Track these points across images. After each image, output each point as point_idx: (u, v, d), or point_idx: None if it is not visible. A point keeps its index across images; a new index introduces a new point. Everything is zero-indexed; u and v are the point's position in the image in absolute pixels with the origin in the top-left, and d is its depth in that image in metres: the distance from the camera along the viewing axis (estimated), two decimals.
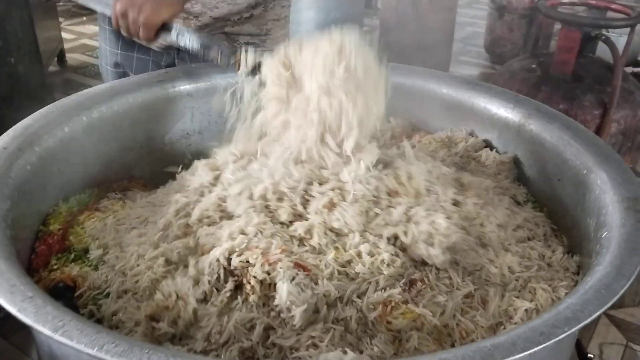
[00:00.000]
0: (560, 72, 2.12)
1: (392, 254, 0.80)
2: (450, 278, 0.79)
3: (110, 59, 1.51)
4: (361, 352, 0.69)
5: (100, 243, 0.89)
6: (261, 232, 0.81)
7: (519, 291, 0.81)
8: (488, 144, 1.17)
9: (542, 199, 1.05)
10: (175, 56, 1.45)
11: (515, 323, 0.75)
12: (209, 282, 0.75)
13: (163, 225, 0.88)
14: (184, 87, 1.21)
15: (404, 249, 0.82)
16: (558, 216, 1.00)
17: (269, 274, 0.74)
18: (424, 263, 0.81)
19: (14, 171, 0.90)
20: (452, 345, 0.72)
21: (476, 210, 0.90)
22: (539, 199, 1.06)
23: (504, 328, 0.75)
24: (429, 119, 1.26)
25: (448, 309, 0.74)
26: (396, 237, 0.82)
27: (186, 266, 0.80)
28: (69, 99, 1.08)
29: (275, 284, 0.73)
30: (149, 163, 1.20)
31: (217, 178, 0.97)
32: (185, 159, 1.25)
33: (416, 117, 1.28)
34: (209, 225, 0.87)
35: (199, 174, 1.00)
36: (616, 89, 2.00)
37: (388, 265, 0.78)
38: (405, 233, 0.82)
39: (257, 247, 0.77)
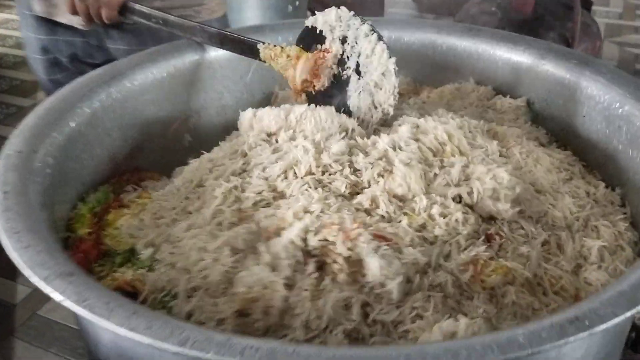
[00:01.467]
0: (520, 13, 2.16)
1: (464, 213, 0.78)
2: (523, 228, 0.79)
3: (35, 45, 1.44)
4: (466, 315, 0.68)
5: (147, 241, 0.82)
6: (328, 208, 0.77)
7: (583, 231, 0.82)
8: (498, 91, 1.17)
9: (563, 139, 1.07)
10: (105, 35, 1.40)
11: (592, 263, 0.77)
12: (289, 265, 0.71)
13: (212, 213, 0.83)
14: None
15: (470, 206, 0.81)
16: (586, 153, 1.02)
17: (351, 250, 0.71)
18: (491, 218, 0.81)
19: (35, 174, 0.82)
20: (544, 294, 0.73)
21: (523, 159, 0.90)
22: (560, 139, 1.07)
23: (585, 269, 0.76)
24: (432, 73, 1.24)
25: (533, 258, 0.74)
26: (460, 197, 0.81)
27: (254, 253, 0.75)
28: (65, 89, 0.99)
29: (360, 260, 0.70)
30: (151, 152, 1.13)
31: (246, 160, 0.92)
32: (185, 141, 1.19)
33: (418, 73, 1.26)
34: (265, 207, 0.82)
35: (227, 156, 0.95)
36: (577, 24, 2.06)
37: (463, 224, 0.77)
38: (470, 192, 0.81)
39: (333, 223, 0.73)
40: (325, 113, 0.95)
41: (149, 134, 1.12)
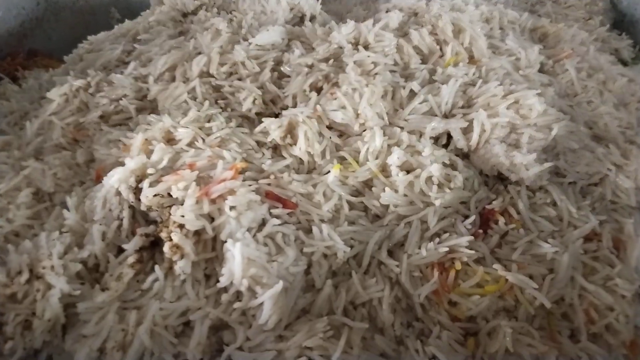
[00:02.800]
0: None
1: (446, 164, 0.43)
2: (554, 204, 0.43)
3: None
4: None
5: None
6: (207, 135, 0.44)
7: None
8: None
9: None
10: None
11: None
12: (104, 234, 0.39)
13: (37, 129, 0.51)
14: None
15: (465, 155, 0.46)
16: None
17: (211, 219, 0.38)
18: (503, 180, 0.45)
19: None
20: (572, 336, 0.38)
21: (580, 81, 0.52)
22: None
23: None
24: None
25: (562, 267, 0.39)
26: (448, 137, 0.46)
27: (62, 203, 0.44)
28: None
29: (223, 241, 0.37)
30: (57, 31, 0.81)
31: (134, 49, 0.60)
32: (113, 21, 0.85)
33: None
34: (117, 125, 0.50)
35: (111, 38, 0.62)
36: None
37: (441, 186, 0.42)
38: (465, 129, 0.45)
39: (190, 165, 0.40)
40: None
41: (53, 4, 0.80)
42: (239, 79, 0.51)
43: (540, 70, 0.53)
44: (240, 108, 0.48)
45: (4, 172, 0.47)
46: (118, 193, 0.40)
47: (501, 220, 0.41)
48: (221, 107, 0.49)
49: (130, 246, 0.39)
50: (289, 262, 0.37)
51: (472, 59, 0.52)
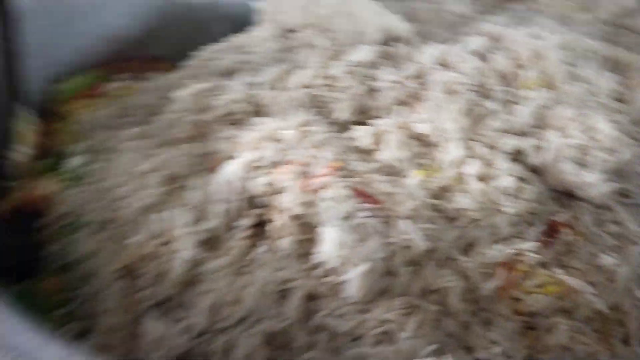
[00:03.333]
0: None
1: (520, 178, 0.48)
2: (617, 223, 0.47)
3: None
4: (469, 350, 0.40)
5: (87, 145, 0.62)
6: (305, 137, 0.51)
7: None
8: None
9: None
10: None
11: None
12: (218, 216, 0.47)
13: (169, 121, 0.60)
14: None
15: (536, 170, 0.50)
16: None
17: (308, 206, 0.45)
18: (570, 196, 0.49)
19: None
20: (625, 341, 0.42)
21: None
22: None
23: None
24: None
25: (619, 277, 0.43)
26: (520, 152, 0.51)
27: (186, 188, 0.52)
28: None
29: (315, 226, 0.44)
30: (172, 37, 0.91)
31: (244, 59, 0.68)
32: (227, 32, 0.94)
33: None
34: (233, 123, 0.58)
35: (227, 49, 0.71)
36: None
37: (514, 196, 0.47)
38: (538, 147, 0.50)
39: (292, 161, 0.47)
40: (367, 9, 0.68)
41: (171, 17, 0.90)
42: (335, 90, 0.58)
43: (615, 98, 0.57)
44: (334, 115, 0.55)
45: (137, 158, 0.57)
46: (233, 181, 0.48)
47: (566, 231, 0.46)
48: (319, 114, 0.56)
49: (243, 223, 0.46)
50: (373, 249, 0.43)
51: (548, 84, 0.57)
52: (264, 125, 0.53)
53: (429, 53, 0.59)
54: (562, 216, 0.47)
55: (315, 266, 0.44)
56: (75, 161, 0.61)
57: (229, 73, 0.68)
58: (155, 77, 0.79)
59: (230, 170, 0.48)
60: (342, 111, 0.55)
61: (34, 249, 0.54)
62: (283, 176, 0.46)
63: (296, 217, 0.45)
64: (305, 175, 0.46)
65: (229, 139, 0.55)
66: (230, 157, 0.51)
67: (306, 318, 0.43)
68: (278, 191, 0.46)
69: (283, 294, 0.43)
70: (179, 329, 0.42)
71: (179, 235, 0.46)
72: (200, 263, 0.45)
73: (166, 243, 0.45)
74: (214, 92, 0.61)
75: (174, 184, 0.54)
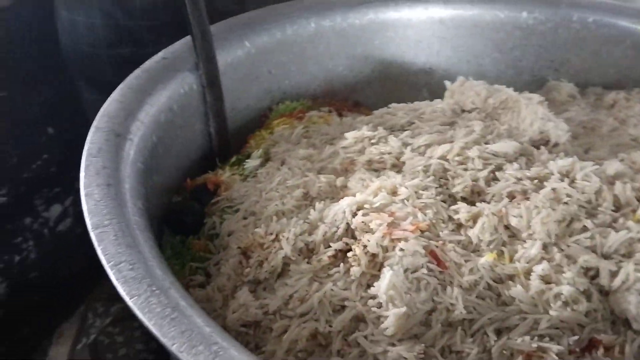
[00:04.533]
0: None
1: (579, 291, 0.52)
2: None
3: None
4: None
5: (266, 152, 0.80)
6: (414, 198, 0.61)
7: None
8: None
9: None
10: None
11: None
12: (325, 234, 0.59)
13: (329, 154, 0.74)
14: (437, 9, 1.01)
15: (602, 290, 0.53)
16: None
17: (382, 249, 0.55)
18: (626, 324, 0.51)
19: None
20: None
21: None
22: None
23: None
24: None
25: None
26: (590, 270, 0.54)
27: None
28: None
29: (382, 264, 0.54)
30: (378, 92, 1.06)
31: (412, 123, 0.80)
32: (420, 97, 1.08)
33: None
34: (375, 170, 0.70)
35: (402, 108, 0.83)
36: None
37: (565, 303, 0.51)
38: (614, 272, 0.52)
39: (391, 212, 0.58)
40: (534, 112, 0.75)
41: (381, 73, 1.06)
42: (464, 169, 0.66)
43: None
44: (452, 189, 0.63)
45: (293, 174, 0.72)
46: (343, 212, 0.60)
47: (603, 352, 0.48)
48: (439, 184, 0.65)
49: (334, 246, 0.58)
50: (419, 300, 0.51)
51: None
52: (391, 179, 0.64)
53: (560, 164, 0.64)
54: (607, 338, 0.49)
55: (372, 296, 0.54)
56: (252, 162, 0.78)
57: (395, 128, 0.80)
58: (347, 115, 0.94)
59: (345, 204, 0.60)
60: (459, 187, 0.64)
61: (202, 216, 0.73)
62: (377, 220, 0.57)
63: (372, 255, 0.55)
64: (393, 225, 0.56)
65: (363, 181, 0.67)
66: (353, 195, 0.63)
67: (348, 332, 0.53)
68: (368, 230, 0.57)
69: (339, 308, 0.54)
70: (258, 304, 0.56)
71: (288, 238, 0.59)
72: (294, 263, 0.58)
73: (277, 240, 0.59)
74: (374, 140, 0.74)
75: (305, 200, 0.67)
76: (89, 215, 0.52)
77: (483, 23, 0.99)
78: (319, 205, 0.63)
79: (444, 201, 0.63)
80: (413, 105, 0.86)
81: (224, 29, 0.85)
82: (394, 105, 0.88)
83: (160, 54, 0.78)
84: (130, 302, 0.44)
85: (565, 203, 0.58)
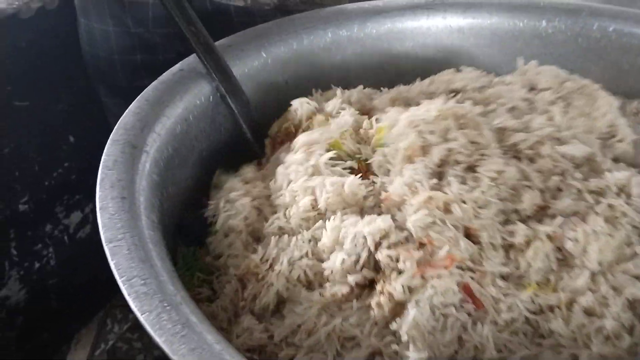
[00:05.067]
0: None
1: (623, 326, 0.46)
2: None
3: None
4: None
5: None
6: (473, 213, 0.53)
7: None
8: None
9: None
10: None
11: None
12: (343, 261, 0.54)
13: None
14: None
15: None
16: None
17: (410, 289, 0.49)
18: None
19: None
20: None
21: None
22: None
23: None
24: None
25: None
26: (636, 301, 0.48)
27: None
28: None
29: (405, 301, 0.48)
30: None
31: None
32: None
33: None
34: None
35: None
36: None
37: (608, 338, 0.45)
38: None
39: (426, 243, 0.51)
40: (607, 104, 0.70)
41: (404, 82, 0.99)
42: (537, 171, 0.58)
43: None
44: (519, 205, 0.55)
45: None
46: (364, 238, 0.52)
47: None
48: (502, 197, 0.55)
49: (352, 278, 0.51)
50: (443, 342, 0.45)
51: None
52: (444, 190, 0.55)
53: (617, 176, 0.57)
54: None
55: (392, 332, 0.48)
56: None
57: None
58: None
59: (367, 229, 0.52)
60: (527, 205, 0.55)
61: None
62: (406, 256, 0.50)
63: (396, 302, 0.49)
64: (425, 261, 0.50)
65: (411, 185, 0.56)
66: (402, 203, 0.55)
67: None
68: (394, 268, 0.50)
69: (351, 345, 0.48)
70: (262, 327, 0.50)
71: (280, 271, 0.53)
72: (298, 294, 0.52)
73: (272, 269, 0.53)
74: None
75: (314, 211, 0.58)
76: (103, 229, 0.50)
77: (502, 32, 0.91)
78: (340, 218, 0.55)
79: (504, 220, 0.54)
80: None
81: (242, 40, 0.82)
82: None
83: (177, 66, 0.74)
84: (142, 318, 0.42)
85: (620, 223, 0.52)
